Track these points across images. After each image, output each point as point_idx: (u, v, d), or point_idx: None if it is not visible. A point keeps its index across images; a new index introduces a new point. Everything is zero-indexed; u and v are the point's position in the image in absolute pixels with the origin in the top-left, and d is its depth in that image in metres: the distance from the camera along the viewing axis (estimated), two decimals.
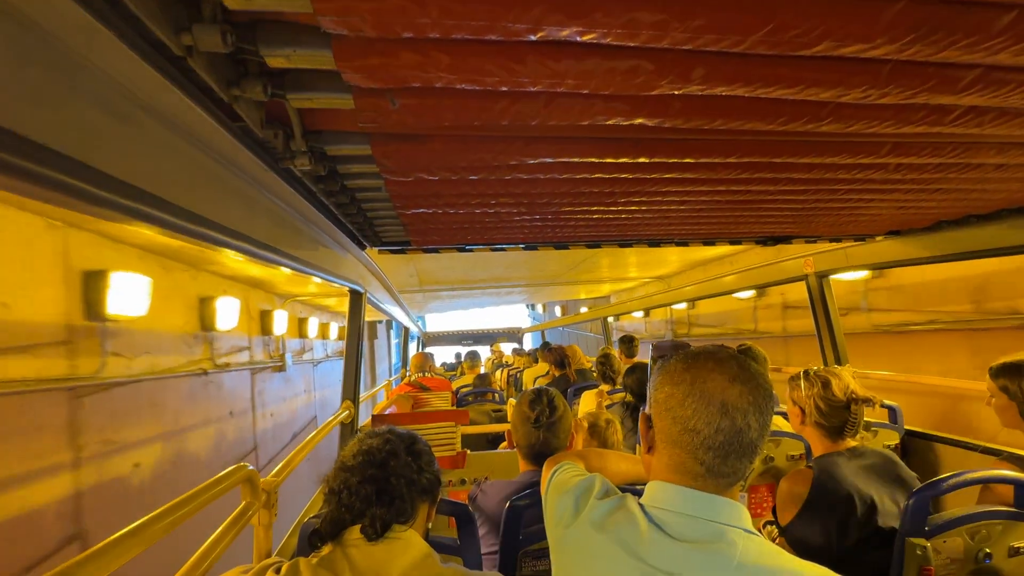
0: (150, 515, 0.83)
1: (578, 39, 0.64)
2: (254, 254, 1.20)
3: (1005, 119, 0.95)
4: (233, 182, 1.01)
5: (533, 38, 0.63)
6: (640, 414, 0.76)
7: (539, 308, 15.93)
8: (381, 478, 0.87)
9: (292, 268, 1.58)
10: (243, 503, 1.29)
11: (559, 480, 0.87)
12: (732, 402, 0.65)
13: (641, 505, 0.71)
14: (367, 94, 0.77)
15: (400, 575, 0.80)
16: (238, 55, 0.68)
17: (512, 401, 4.04)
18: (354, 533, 0.84)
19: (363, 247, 2.25)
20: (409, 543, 0.85)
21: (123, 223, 0.76)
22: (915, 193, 1.57)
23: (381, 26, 0.59)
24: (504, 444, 3.11)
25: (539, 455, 1.35)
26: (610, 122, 0.90)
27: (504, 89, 0.76)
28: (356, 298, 2.83)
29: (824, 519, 1.34)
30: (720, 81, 0.75)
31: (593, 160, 1.14)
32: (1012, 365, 1.55)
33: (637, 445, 2.35)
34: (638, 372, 2.60)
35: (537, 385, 3.45)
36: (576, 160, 1.13)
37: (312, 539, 0.87)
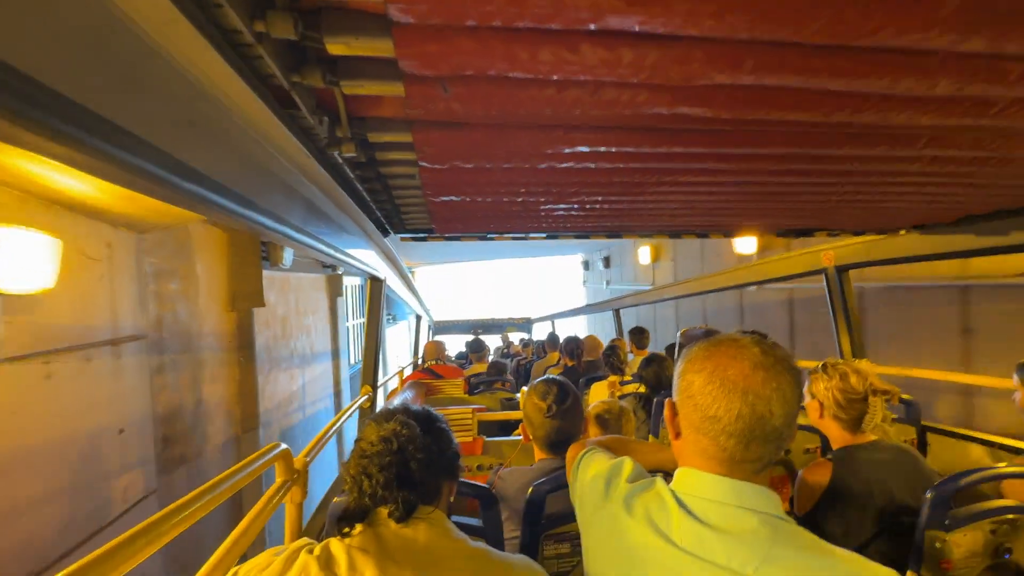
0: (186, 498, 0.83)
1: (636, 28, 0.65)
2: (292, 238, 1.23)
3: None
4: (279, 168, 1.03)
5: (593, 27, 0.64)
6: (667, 401, 0.77)
7: (600, 264, 12.49)
8: (401, 463, 0.86)
9: (320, 254, 1.61)
10: (278, 481, 1.33)
11: (589, 463, 0.88)
12: (754, 389, 0.64)
13: (671, 490, 0.72)
14: (419, 81, 0.78)
15: (431, 554, 0.80)
16: (302, 42, 0.69)
17: (524, 390, 4.07)
18: (383, 514, 0.84)
19: (386, 234, 2.27)
20: (437, 523, 0.86)
21: (176, 204, 0.78)
22: (947, 186, 1.55)
23: (447, 14, 0.60)
24: (518, 431, 3.15)
25: (555, 443, 1.36)
26: (652, 112, 0.91)
27: (555, 78, 0.76)
28: (376, 285, 2.87)
29: (843, 511, 1.36)
30: (771, 71, 0.76)
31: (629, 150, 1.14)
32: None
33: (650, 435, 2.36)
34: (655, 364, 2.61)
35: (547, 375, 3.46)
36: (612, 150, 1.14)
37: (340, 524, 0.87)
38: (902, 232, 2.48)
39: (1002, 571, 1.26)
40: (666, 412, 0.77)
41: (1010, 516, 1.28)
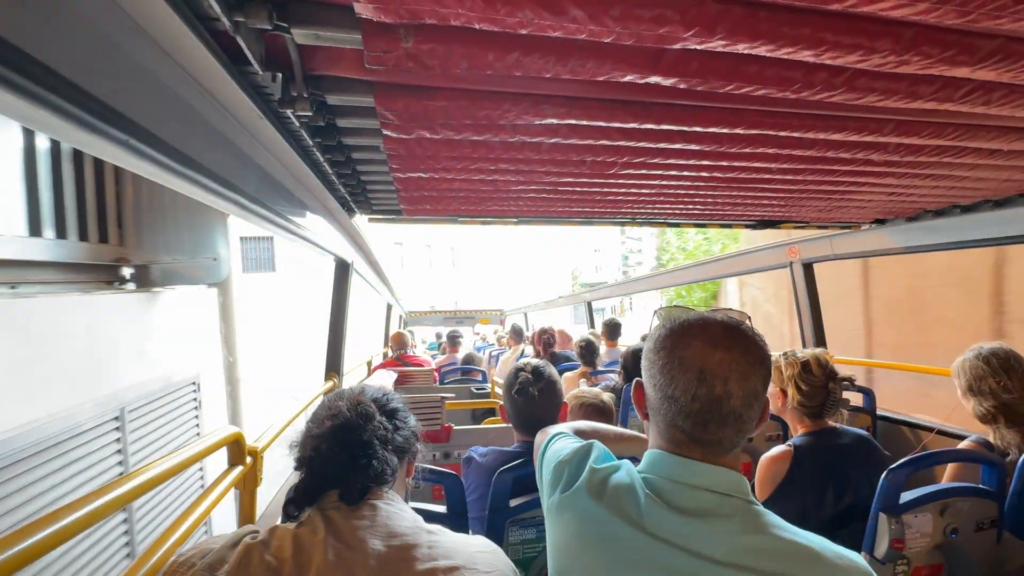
0: (125, 475, 0.78)
1: None
2: (245, 207, 1.15)
3: (1012, 98, 0.96)
4: (227, 126, 0.95)
5: None
6: (635, 381, 0.76)
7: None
8: (354, 442, 0.82)
9: (280, 230, 1.53)
10: (228, 466, 1.26)
11: (556, 448, 0.85)
12: (711, 368, 0.63)
13: (640, 474, 0.70)
14: (378, 29, 0.73)
15: (383, 538, 0.76)
16: None
17: (496, 381, 4.06)
18: (332, 497, 0.80)
19: (352, 214, 2.20)
20: (391, 505, 0.81)
21: (101, 155, 0.71)
22: (908, 178, 1.59)
23: None
24: (489, 420, 3.12)
25: (529, 424, 1.35)
26: (625, 79, 0.88)
27: (522, 32, 0.72)
28: (342, 269, 2.78)
29: (802, 496, 1.39)
30: (744, 37, 0.73)
31: (600, 124, 1.11)
32: None
33: (619, 422, 2.36)
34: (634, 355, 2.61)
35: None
36: (583, 123, 1.10)
37: (287, 508, 0.83)
38: (863, 227, 2.55)
39: (948, 549, 1.31)
40: (633, 393, 0.75)
41: (956, 497, 1.32)
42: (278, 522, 0.82)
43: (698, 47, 0.76)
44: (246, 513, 1.33)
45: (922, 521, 1.31)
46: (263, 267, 15.98)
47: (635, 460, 0.77)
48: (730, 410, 0.63)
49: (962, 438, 1.57)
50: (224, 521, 3.17)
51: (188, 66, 0.76)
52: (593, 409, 1.69)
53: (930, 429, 2.32)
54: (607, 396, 1.76)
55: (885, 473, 1.27)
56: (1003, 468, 1.35)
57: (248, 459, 1.32)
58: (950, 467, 1.54)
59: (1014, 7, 0.66)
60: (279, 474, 1.58)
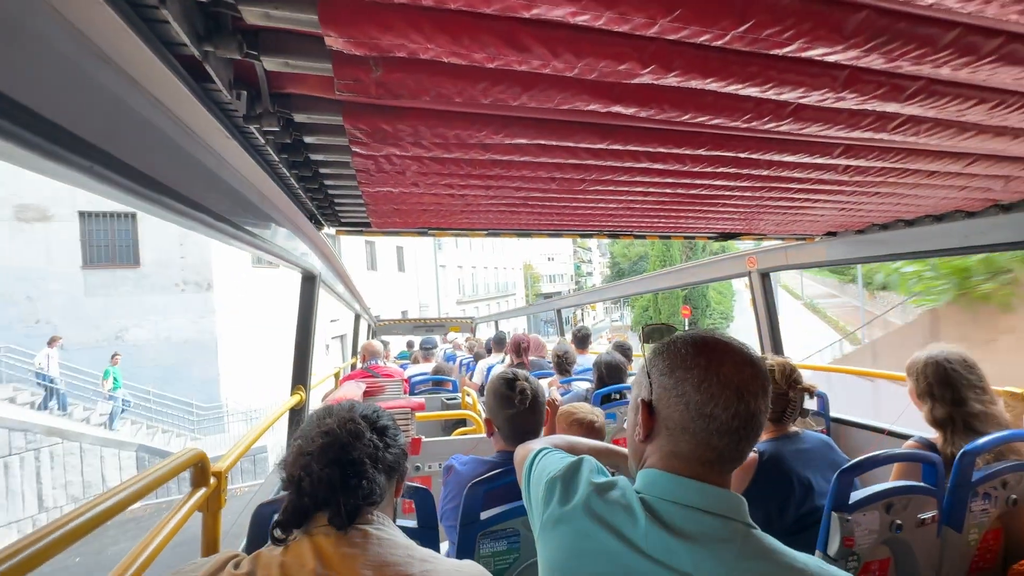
0: (89, 501, 0.76)
1: (570, 20, 0.65)
2: (211, 226, 1.13)
3: (938, 129, 1.05)
4: (192, 145, 0.94)
5: (527, 15, 0.63)
6: (641, 401, 0.72)
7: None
8: (345, 462, 0.79)
9: (244, 244, 1.50)
10: (192, 489, 1.23)
11: (545, 463, 0.83)
12: (747, 385, 0.63)
13: (638, 493, 0.68)
14: (348, 60, 0.74)
15: (375, 569, 0.73)
16: (211, 6, 0.63)
17: (467, 390, 4.05)
18: (321, 520, 0.77)
19: (320, 227, 2.17)
20: (382, 529, 0.80)
21: (68, 181, 0.70)
22: (856, 196, 1.70)
23: None
24: (459, 431, 3.11)
25: (523, 435, 1.35)
26: (588, 108, 0.92)
27: (490, 66, 0.75)
28: (309, 281, 2.74)
29: (766, 501, 1.44)
30: (697, 74, 0.78)
31: (568, 144, 1.15)
32: None
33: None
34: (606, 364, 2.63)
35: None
36: (552, 143, 1.14)
37: (274, 531, 0.79)
38: (816, 239, 2.69)
39: (893, 544, 1.39)
40: (641, 413, 0.71)
41: (902, 496, 1.41)
42: (241, 546, 0.80)
43: (655, 82, 0.81)
44: (210, 537, 1.29)
45: (870, 519, 1.38)
46: (121, 258, 11.54)
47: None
48: (759, 424, 0.65)
49: (906, 437, 1.67)
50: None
51: (152, 88, 0.76)
52: (584, 426, 1.67)
53: (881, 430, 2.46)
54: (600, 414, 1.73)
55: (836, 475, 1.35)
56: (942, 467, 1.45)
57: (212, 480, 1.29)
58: (896, 466, 1.64)
59: (933, 55, 0.73)
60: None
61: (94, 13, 0.56)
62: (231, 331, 12.24)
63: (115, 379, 10.43)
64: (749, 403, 0.64)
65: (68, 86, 0.60)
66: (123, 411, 10.62)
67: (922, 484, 1.44)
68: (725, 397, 0.63)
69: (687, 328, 0.83)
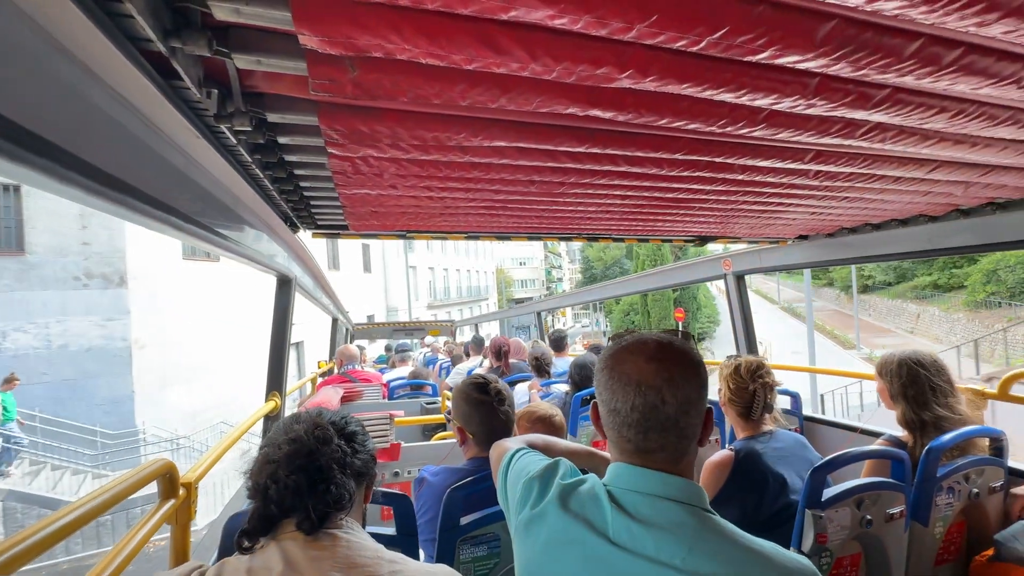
0: (57, 513, 0.73)
1: (548, 23, 0.65)
2: (179, 227, 1.10)
3: (903, 136, 1.08)
4: (161, 147, 0.91)
5: (504, 17, 0.63)
6: (592, 403, 0.79)
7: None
8: (312, 468, 0.79)
9: (219, 249, 1.46)
10: (160, 500, 1.18)
11: (521, 464, 0.86)
12: (646, 380, 0.68)
13: (604, 486, 0.73)
14: (323, 60, 0.73)
15: (343, 570, 0.73)
16: (178, 1, 0.61)
17: (447, 394, 4.01)
18: (289, 527, 0.77)
19: (295, 229, 2.13)
20: (350, 534, 0.79)
21: (24, 180, 0.66)
22: (826, 200, 1.75)
23: None
24: (438, 436, 3.08)
25: (494, 437, 1.34)
26: (567, 111, 0.92)
27: (468, 68, 0.75)
28: (284, 285, 2.68)
29: (742, 497, 1.47)
30: (673, 79, 0.79)
31: (547, 147, 1.15)
32: None
33: (568, 434, 2.40)
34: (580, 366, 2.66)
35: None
36: (531, 146, 1.14)
37: (240, 539, 0.78)
38: (789, 242, 2.76)
39: (864, 538, 1.43)
40: (591, 413, 0.79)
41: (872, 492, 1.45)
42: (212, 560, 0.78)
43: (633, 86, 0.82)
44: (179, 549, 1.24)
45: (842, 514, 1.42)
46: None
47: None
48: (666, 416, 0.68)
49: (876, 435, 1.72)
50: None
51: (115, 84, 0.73)
52: (546, 423, 1.70)
53: (853, 429, 2.53)
54: (558, 412, 1.79)
55: (810, 472, 1.38)
56: (910, 464, 1.50)
57: (181, 491, 1.24)
58: (867, 463, 1.69)
59: (898, 64, 0.76)
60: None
61: (50, 4, 0.54)
62: (152, 337, 9.67)
63: (5, 408, 7.89)
64: (647, 395, 0.68)
65: (23, 80, 0.57)
66: (18, 452, 8.21)
67: (891, 480, 1.48)
68: (624, 392, 0.69)
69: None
